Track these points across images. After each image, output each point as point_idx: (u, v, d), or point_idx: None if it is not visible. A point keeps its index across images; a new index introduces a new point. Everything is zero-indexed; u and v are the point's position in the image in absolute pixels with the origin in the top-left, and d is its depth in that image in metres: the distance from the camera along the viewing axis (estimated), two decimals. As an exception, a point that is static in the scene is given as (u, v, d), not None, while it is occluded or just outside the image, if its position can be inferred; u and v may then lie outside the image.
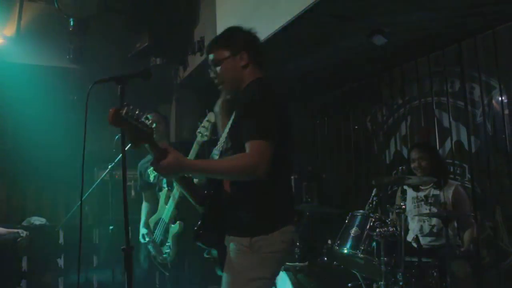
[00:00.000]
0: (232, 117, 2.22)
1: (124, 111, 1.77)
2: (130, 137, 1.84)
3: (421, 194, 3.93)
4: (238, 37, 2.24)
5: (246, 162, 1.93)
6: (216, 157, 2.20)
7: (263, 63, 2.28)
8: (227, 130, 2.21)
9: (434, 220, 3.76)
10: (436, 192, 3.85)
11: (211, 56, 2.25)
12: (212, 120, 3.17)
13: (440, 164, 3.98)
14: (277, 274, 2.14)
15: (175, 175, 2.08)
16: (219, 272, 2.21)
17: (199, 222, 2.16)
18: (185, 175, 2.16)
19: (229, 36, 2.27)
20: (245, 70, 2.21)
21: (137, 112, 1.82)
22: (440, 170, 3.91)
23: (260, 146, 1.93)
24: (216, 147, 2.25)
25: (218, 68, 2.22)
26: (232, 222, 2.10)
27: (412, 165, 3.96)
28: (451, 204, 3.79)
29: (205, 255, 2.39)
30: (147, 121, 1.87)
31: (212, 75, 2.28)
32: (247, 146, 1.96)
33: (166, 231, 3.62)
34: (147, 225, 3.84)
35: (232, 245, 2.06)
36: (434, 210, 3.77)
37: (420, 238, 3.75)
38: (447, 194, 3.81)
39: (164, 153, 1.90)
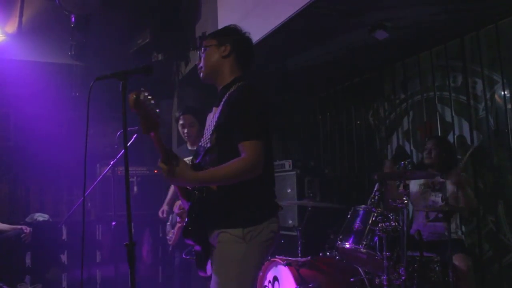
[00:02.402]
0: (217, 114, 2.24)
1: (142, 96, 1.84)
2: (141, 123, 1.90)
3: (429, 180, 3.95)
4: (228, 32, 2.39)
5: (246, 164, 2.03)
6: (202, 153, 2.26)
7: (247, 66, 2.39)
8: (212, 126, 2.24)
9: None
10: (442, 179, 3.87)
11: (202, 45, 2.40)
12: None
13: (446, 157, 3.98)
14: (264, 262, 2.24)
15: (178, 183, 2.18)
16: (200, 273, 2.28)
17: (187, 219, 2.20)
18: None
19: (222, 30, 2.43)
20: (224, 60, 2.32)
21: (152, 102, 1.89)
22: (446, 162, 3.92)
23: (256, 146, 2.05)
24: (200, 143, 2.29)
25: (202, 54, 2.35)
26: (221, 216, 2.14)
27: (424, 153, 4.06)
28: (455, 191, 3.78)
29: (184, 256, 2.47)
30: (157, 111, 1.93)
31: (197, 61, 2.41)
32: (243, 146, 2.06)
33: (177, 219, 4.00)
34: (168, 204, 4.16)
35: (223, 237, 2.12)
36: (440, 196, 3.79)
37: (425, 226, 3.78)
38: (451, 183, 3.81)
39: (171, 159, 2.01)
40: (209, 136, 2.23)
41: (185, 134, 4.13)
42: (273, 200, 2.26)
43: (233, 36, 2.37)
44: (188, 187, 2.25)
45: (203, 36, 2.50)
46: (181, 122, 4.14)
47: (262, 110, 2.15)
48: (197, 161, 2.26)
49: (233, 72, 2.32)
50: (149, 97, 1.87)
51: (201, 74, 2.38)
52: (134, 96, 1.82)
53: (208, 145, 2.22)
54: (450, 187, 3.82)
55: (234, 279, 2.07)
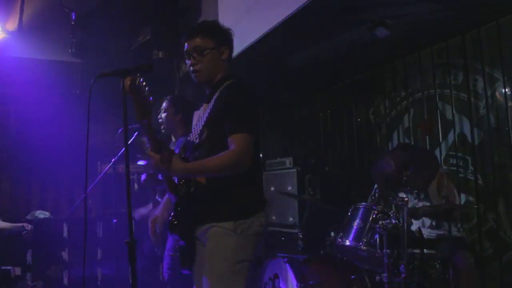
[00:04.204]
0: (209, 109, 2.26)
1: (138, 82, 1.90)
2: (136, 107, 1.95)
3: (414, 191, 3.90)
4: (222, 31, 2.35)
5: (234, 157, 2.05)
6: (190, 148, 2.27)
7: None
8: (202, 122, 2.26)
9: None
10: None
11: (193, 43, 2.29)
12: None
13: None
14: (256, 257, 2.23)
15: (165, 173, 2.16)
16: (183, 271, 2.26)
17: (173, 213, 2.20)
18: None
19: (214, 28, 2.36)
20: (223, 64, 2.32)
21: (146, 88, 1.95)
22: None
23: (245, 139, 2.07)
24: (189, 138, 2.29)
25: (199, 56, 2.28)
26: (211, 211, 2.15)
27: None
28: (439, 194, 3.69)
29: (169, 253, 2.46)
30: (150, 99, 1.99)
31: (190, 61, 2.32)
32: (232, 139, 2.07)
33: None
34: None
35: (214, 231, 2.13)
36: (427, 204, 3.71)
37: (423, 230, 3.75)
38: (433, 188, 3.73)
39: (162, 149, 2.05)
40: (198, 132, 2.25)
41: None
42: (261, 195, 2.30)
43: (226, 35, 2.37)
44: (175, 181, 2.24)
45: (193, 33, 2.30)
46: None
47: (254, 106, 2.18)
48: (186, 155, 2.26)
49: (226, 71, 2.34)
50: (144, 83, 1.91)
51: (199, 77, 2.34)
52: (129, 81, 1.87)
53: (197, 141, 2.23)
54: (433, 192, 3.71)
55: (230, 271, 2.09)
